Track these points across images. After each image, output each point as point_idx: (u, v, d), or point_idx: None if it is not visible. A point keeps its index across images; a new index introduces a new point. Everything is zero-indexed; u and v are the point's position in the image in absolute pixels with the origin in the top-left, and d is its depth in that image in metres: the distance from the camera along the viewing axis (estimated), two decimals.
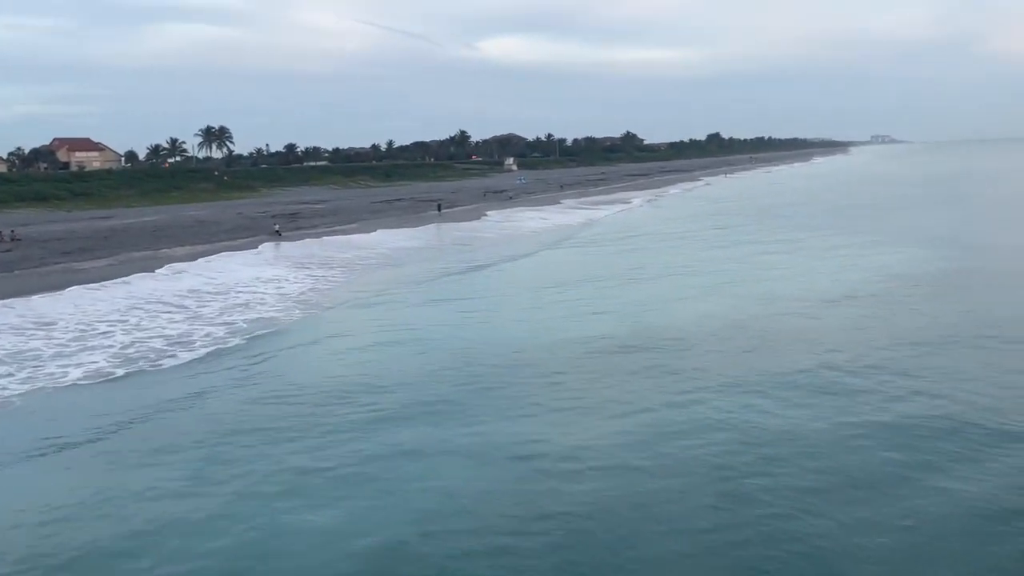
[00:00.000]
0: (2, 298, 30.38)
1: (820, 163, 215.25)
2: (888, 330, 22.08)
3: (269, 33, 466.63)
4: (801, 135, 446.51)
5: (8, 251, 44.96)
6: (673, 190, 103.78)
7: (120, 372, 21.13)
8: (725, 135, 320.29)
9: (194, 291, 32.12)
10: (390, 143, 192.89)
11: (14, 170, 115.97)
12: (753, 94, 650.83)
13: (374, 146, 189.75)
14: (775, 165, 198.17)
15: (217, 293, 31.88)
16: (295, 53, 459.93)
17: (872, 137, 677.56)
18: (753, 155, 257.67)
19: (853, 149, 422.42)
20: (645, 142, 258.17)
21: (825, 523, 11.44)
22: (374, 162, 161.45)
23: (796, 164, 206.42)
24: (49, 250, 45.43)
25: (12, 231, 52.16)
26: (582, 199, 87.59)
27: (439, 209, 72.93)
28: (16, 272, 37.94)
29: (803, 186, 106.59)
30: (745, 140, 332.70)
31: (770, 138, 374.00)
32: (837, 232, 46.18)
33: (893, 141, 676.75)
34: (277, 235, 52.40)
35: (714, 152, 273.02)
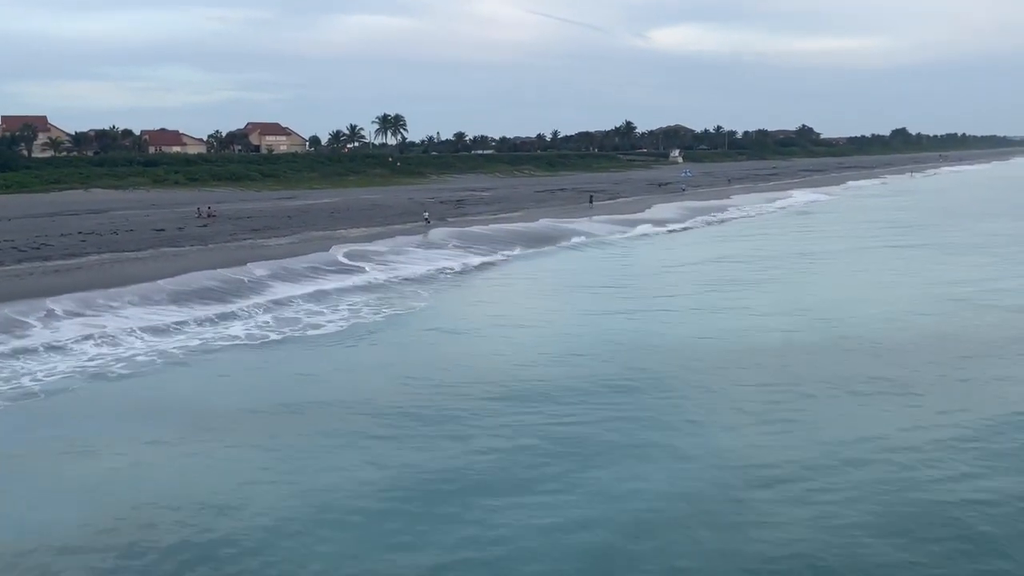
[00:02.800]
0: (201, 268, 33.18)
1: (1021, 163, 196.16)
2: None
3: (445, 24, 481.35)
4: (1001, 132, 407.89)
5: (204, 226, 49.10)
6: (848, 187, 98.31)
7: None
8: (912, 130, 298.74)
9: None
10: (555, 133, 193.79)
11: (212, 151, 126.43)
12: (945, 86, 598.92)
13: (539, 135, 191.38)
14: (968, 164, 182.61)
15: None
16: (469, 43, 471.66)
17: None
18: (943, 153, 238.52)
19: None
20: (822, 136, 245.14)
21: None
22: (539, 151, 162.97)
23: (992, 163, 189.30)
24: (240, 226, 49.19)
25: (209, 208, 56.91)
26: (751, 194, 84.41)
27: (591, 201, 70.21)
28: (210, 245, 41.32)
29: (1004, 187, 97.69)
30: (935, 136, 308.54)
31: (964, 135, 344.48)
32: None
33: None
34: (426, 223, 51.03)
35: (899, 148, 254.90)
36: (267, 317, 26.11)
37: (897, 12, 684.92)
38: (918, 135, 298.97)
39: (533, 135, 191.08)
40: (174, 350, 21.99)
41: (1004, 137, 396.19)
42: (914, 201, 77.57)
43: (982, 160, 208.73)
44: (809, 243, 44.69)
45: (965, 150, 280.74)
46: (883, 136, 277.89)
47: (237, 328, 24.51)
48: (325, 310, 27.34)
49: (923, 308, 26.09)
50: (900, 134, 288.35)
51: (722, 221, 59.54)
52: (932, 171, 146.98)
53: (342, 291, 30.71)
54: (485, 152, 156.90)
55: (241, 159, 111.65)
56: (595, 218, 56.33)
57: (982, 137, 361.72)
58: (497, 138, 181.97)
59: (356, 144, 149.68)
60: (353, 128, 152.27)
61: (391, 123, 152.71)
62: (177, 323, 24.92)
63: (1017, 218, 56.05)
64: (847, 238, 46.50)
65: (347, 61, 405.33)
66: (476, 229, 49.24)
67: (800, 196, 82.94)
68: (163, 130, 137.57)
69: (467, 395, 17.88)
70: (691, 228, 54.69)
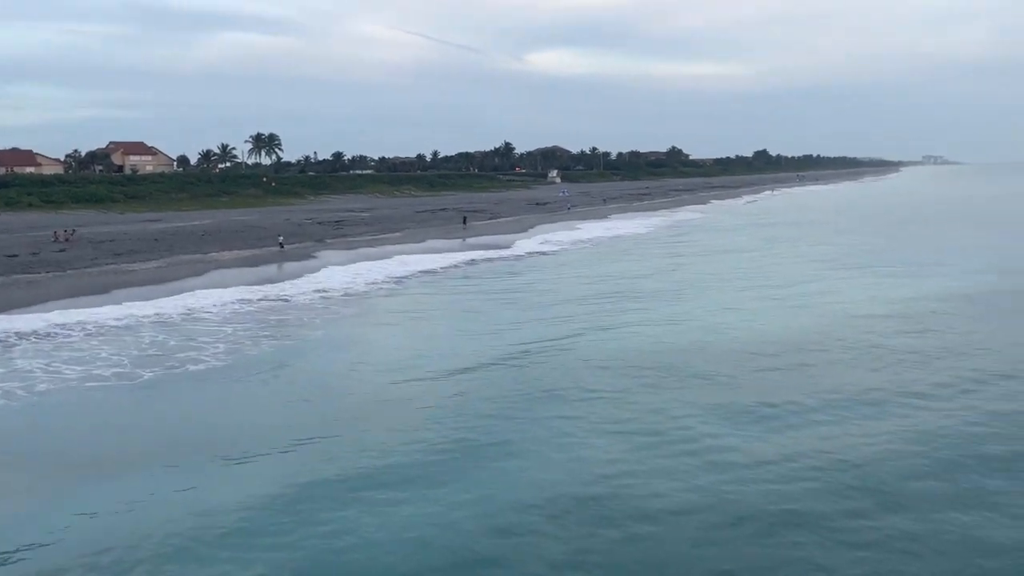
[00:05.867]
0: (60, 297, 31.02)
1: (871, 183, 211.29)
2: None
3: (321, 43, 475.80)
4: (851, 154, 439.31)
5: (62, 251, 45.99)
6: (716, 203, 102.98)
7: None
8: (772, 152, 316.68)
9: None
10: (435, 153, 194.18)
11: (71, 172, 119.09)
12: (802, 111, 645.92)
13: (419, 156, 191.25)
14: (823, 184, 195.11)
15: None
16: (346, 63, 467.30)
17: (924, 157, 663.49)
18: (800, 173, 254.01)
19: (904, 169, 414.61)
20: (691, 157, 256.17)
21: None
22: (419, 172, 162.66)
23: (845, 183, 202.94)
24: (101, 251, 46.33)
25: (66, 231, 53.40)
26: (627, 213, 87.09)
27: (464, 222, 69.14)
28: (68, 271, 38.73)
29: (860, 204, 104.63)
30: (793, 157, 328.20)
31: (819, 156, 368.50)
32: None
33: (945, 162, 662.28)
34: (280, 248, 49.25)
35: (761, 169, 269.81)
36: None
37: (757, 41, 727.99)
38: (778, 156, 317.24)
39: (413, 155, 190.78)
40: None
41: (854, 158, 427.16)
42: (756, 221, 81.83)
43: (836, 180, 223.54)
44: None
45: (820, 170, 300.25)
46: (747, 157, 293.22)
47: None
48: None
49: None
50: (762, 155, 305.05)
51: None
52: (791, 189, 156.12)
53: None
54: (364, 172, 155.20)
55: (102, 180, 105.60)
56: (469, 240, 56.46)
57: (835, 158, 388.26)
58: (376, 158, 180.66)
59: (228, 164, 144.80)
60: (225, 147, 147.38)
61: (265, 142, 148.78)
62: None
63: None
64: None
65: (218, 79, 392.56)
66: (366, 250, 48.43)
67: (679, 215, 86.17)
68: (15, 149, 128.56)
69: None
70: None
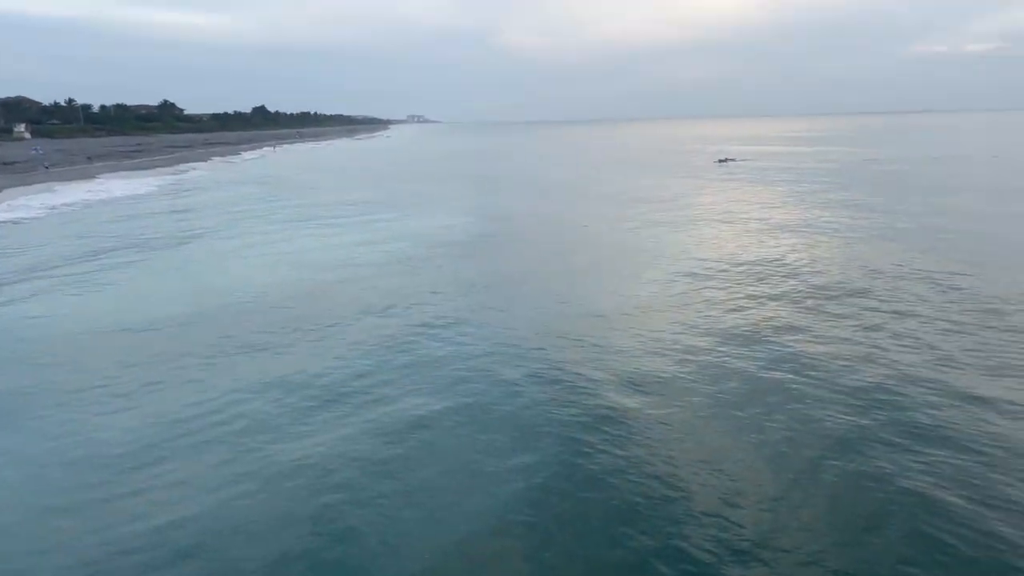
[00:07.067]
0: None
1: (366, 139, 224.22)
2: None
3: None
4: (346, 112, 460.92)
5: None
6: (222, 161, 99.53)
7: None
8: (271, 108, 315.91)
9: None
10: None
11: None
12: (299, 69, 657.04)
13: None
14: (323, 140, 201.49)
15: None
16: None
17: (408, 117, 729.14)
18: (300, 130, 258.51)
19: (393, 127, 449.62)
20: (185, 112, 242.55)
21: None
22: None
23: (343, 140, 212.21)
24: None
25: None
26: (120, 172, 79.11)
27: None
28: None
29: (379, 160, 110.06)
30: (292, 114, 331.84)
31: (316, 113, 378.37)
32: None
33: (426, 121, 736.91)
34: None
35: (260, 125, 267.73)
36: None
37: None
38: (276, 113, 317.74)
39: None
40: None
41: (349, 116, 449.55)
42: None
43: (334, 136, 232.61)
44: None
45: (319, 127, 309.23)
46: (245, 113, 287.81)
47: None
48: None
49: None
50: (260, 112, 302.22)
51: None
52: (298, 145, 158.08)
53: None
54: None
55: None
56: None
57: (332, 116, 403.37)
58: None
59: None
60: None
61: None
62: None
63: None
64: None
65: None
66: None
67: (180, 174, 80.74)
68: None
69: None
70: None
